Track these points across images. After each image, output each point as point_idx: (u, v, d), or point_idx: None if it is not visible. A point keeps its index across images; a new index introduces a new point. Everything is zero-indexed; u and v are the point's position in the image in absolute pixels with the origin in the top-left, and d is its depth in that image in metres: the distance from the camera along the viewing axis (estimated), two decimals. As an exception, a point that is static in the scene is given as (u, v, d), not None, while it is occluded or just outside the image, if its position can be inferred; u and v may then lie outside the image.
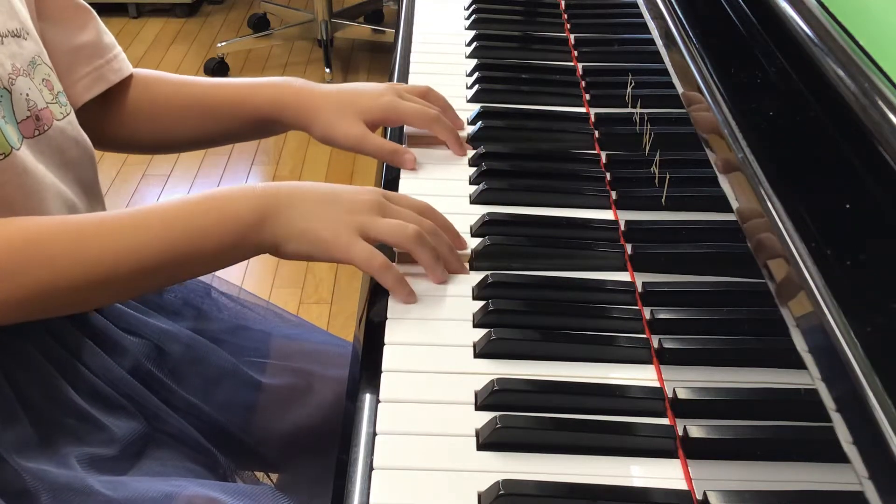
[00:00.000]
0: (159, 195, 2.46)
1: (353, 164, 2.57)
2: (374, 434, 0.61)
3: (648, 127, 0.80)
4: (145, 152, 1.08)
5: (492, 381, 0.65)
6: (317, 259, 0.73)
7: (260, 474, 0.96)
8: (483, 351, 0.68)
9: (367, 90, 0.93)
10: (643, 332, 0.71)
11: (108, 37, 0.91)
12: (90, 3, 0.90)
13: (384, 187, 0.88)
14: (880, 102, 0.50)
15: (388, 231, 0.72)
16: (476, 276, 0.75)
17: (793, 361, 0.47)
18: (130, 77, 0.93)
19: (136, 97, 0.93)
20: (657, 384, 0.67)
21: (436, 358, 0.68)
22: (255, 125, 0.95)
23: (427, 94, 0.96)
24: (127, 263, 0.70)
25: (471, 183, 0.88)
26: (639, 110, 0.83)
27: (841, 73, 0.54)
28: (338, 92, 0.92)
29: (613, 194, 0.86)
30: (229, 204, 0.72)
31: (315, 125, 0.91)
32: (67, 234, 0.71)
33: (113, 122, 0.93)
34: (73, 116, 0.82)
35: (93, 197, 0.85)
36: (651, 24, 0.81)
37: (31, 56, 0.78)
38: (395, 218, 0.73)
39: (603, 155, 0.93)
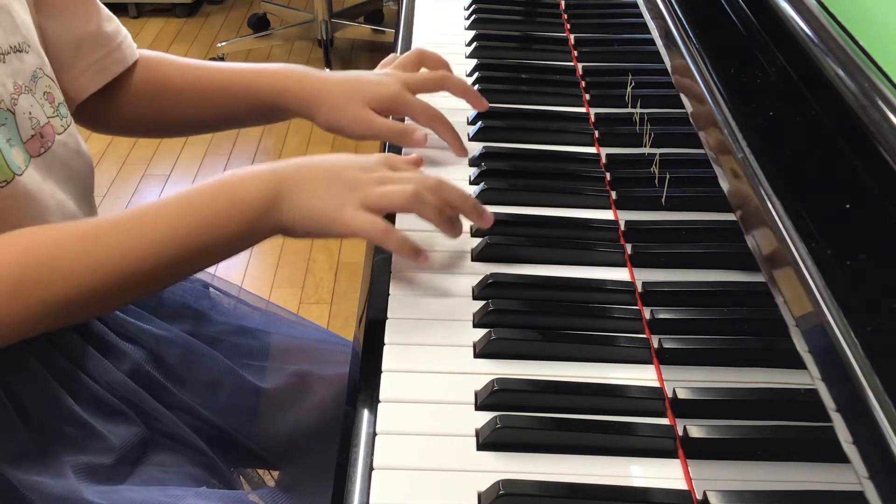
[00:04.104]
0: (159, 195, 2.46)
1: (353, 164, 2.56)
2: (374, 434, 0.61)
3: (648, 127, 0.80)
4: (144, 135, 1.07)
5: (492, 381, 0.65)
6: (325, 237, 0.73)
7: (262, 471, 0.96)
8: (483, 351, 0.68)
9: (371, 77, 0.92)
10: (643, 332, 0.71)
11: (112, 24, 0.89)
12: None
13: None
14: (880, 102, 0.50)
15: (388, 197, 0.71)
16: (476, 276, 0.75)
17: (793, 361, 0.47)
18: (135, 63, 0.91)
19: (137, 81, 0.92)
20: (657, 384, 0.67)
21: (436, 358, 0.68)
22: (257, 111, 0.94)
23: (423, 59, 0.96)
24: (143, 263, 0.69)
25: (471, 183, 0.88)
26: (639, 110, 0.83)
27: (841, 73, 0.54)
28: (342, 79, 0.92)
29: (613, 194, 0.86)
30: (237, 191, 0.72)
31: (319, 112, 0.90)
32: (80, 243, 0.70)
33: (113, 106, 0.92)
34: (73, 128, 0.81)
35: (91, 205, 0.85)
36: (651, 24, 0.81)
37: (33, 70, 0.77)
38: (396, 183, 0.72)
39: (603, 155, 0.93)
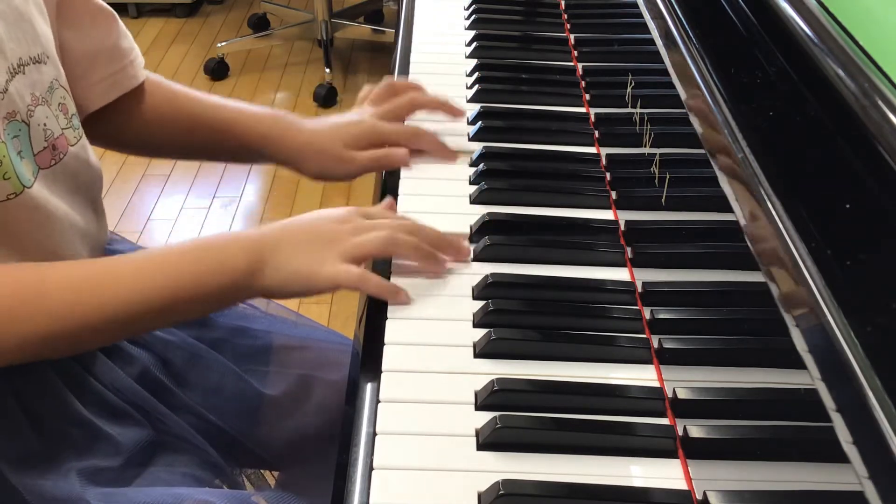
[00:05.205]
0: (159, 195, 2.46)
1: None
2: (374, 434, 0.61)
3: (648, 127, 0.80)
4: (132, 153, 1.09)
5: (492, 381, 0.65)
6: (309, 294, 0.74)
7: (263, 472, 0.96)
8: (483, 351, 0.68)
9: (346, 120, 0.94)
10: (643, 332, 0.71)
11: (127, 41, 0.90)
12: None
13: (383, 190, 0.89)
14: (880, 102, 0.50)
15: (363, 245, 0.73)
16: (476, 276, 0.75)
17: (793, 361, 0.47)
18: (141, 83, 0.92)
19: (139, 102, 0.93)
20: (657, 384, 0.67)
21: (436, 358, 0.68)
22: (241, 154, 0.97)
23: (393, 88, 0.97)
24: (125, 311, 0.71)
25: (471, 183, 0.88)
26: (639, 110, 0.83)
27: (841, 73, 0.54)
28: (320, 130, 0.94)
29: (613, 194, 0.86)
30: (223, 253, 0.74)
31: (305, 167, 0.93)
32: (71, 286, 0.71)
33: (112, 122, 0.92)
34: (84, 140, 0.82)
35: (99, 213, 0.86)
36: (651, 24, 0.81)
37: (50, 81, 0.77)
38: (370, 231, 0.74)
39: (603, 155, 0.93)
